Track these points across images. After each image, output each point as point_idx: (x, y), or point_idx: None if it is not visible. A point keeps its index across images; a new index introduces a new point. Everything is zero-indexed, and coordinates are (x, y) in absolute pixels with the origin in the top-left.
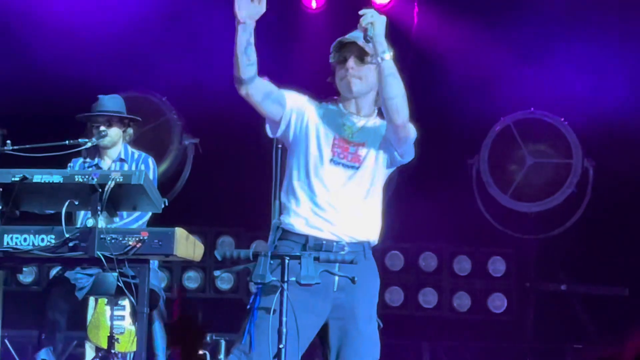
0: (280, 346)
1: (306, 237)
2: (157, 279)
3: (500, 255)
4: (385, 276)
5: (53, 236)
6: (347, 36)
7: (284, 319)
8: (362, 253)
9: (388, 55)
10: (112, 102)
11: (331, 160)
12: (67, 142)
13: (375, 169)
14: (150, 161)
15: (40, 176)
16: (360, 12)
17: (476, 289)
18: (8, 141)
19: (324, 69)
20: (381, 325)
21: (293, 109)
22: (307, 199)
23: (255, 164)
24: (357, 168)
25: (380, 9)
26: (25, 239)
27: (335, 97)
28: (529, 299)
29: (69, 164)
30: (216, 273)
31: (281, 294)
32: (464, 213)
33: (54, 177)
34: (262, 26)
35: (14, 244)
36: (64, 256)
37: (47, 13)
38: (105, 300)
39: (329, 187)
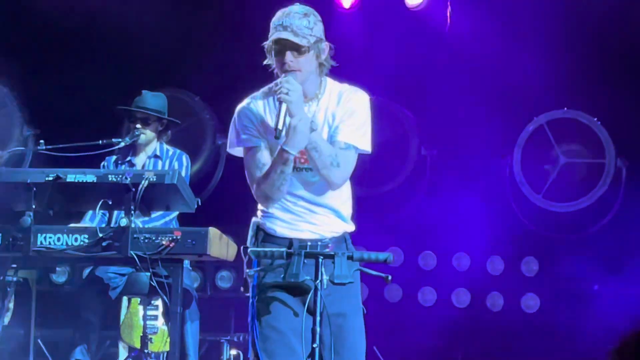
0: (314, 345)
1: (290, 239)
2: (190, 279)
3: (533, 255)
4: (420, 277)
5: (86, 236)
6: (283, 22)
7: (318, 318)
8: (345, 246)
9: (294, 150)
10: (154, 100)
11: (295, 168)
12: (100, 142)
13: None
14: (185, 158)
15: (73, 176)
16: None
17: (509, 288)
18: (42, 141)
19: (357, 68)
20: (365, 312)
21: (252, 138)
22: (282, 205)
23: None
24: (311, 169)
25: (414, 10)
26: (58, 239)
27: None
28: (562, 299)
29: (102, 162)
30: (250, 272)
31: (315, 293)
32: (497, 213)
33: (88, 176)
34: None
35: (47, 243)
36: (97, 255)
37: (80, 14)
38: (139, 300)
39: (298, 193)
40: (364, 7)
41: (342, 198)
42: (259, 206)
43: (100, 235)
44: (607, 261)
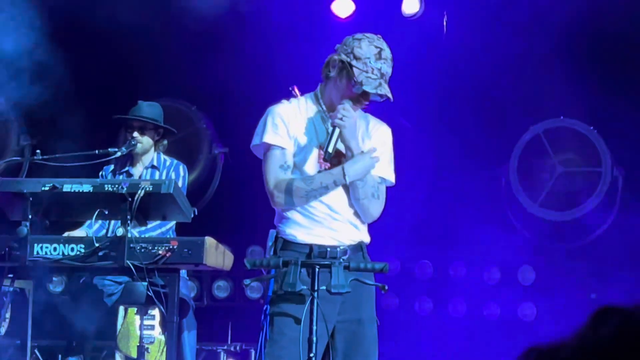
0: (311, 355)
1: (310, 246)
2: (187, 288)
3: (529, 264)
4: (415, 285)
5: (83, 245)
6: (379, 74)
7: (314, 327)
8: (361, 254)
9: (351, 173)
10: (150, 109)
11: (318, 172)
12: (96, 151)
13: None
14: (182, 168)
15: (70, 185)
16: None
17: (505, 297)
18: (38, 151)
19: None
20: (378, 323)
21: (286, 139)
22: (305, 211)
23: None
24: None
25: (410, 19)
26: (55, 248)
27: (317, 92)
28: (558, 308)
29: (100, 172)
30: (246, 282)
31: (312, 302)
32: (493, 222)
33: (84, 186)
34: (292, 34)
35: (43, 253)
36: (93, 265)
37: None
38: (135, 309)
39: (321, 200)
40: (361, 16)
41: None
42: (277, 214)
43: (97, 244)
44: (604, 270)
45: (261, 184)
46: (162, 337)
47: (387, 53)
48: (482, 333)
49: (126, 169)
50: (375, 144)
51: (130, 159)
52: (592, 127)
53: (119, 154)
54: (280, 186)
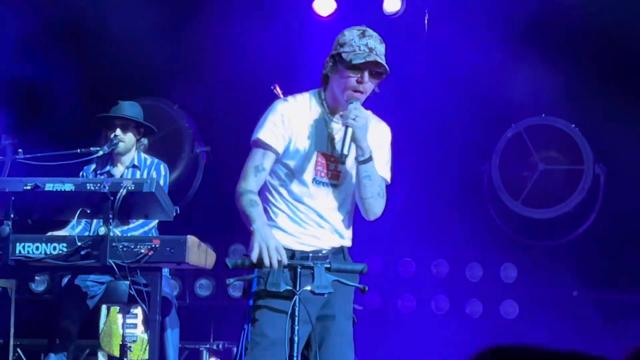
0: (294, 354)
1: (292, 251)
2: (169, 287)
3: (512, 262)
4: (397, 283)
5: (65, 244)
6: (375, 46)
7: (296, 327)
8: (342, 256)
9: (366, 162)
10: (130, 109)
11: (313, 180)
12: (78, 150)
13: (351, 179)
14: (163, 167)
15: (52, 185)
16: (346, 112)
17: (488, 295)
18: (20, 150)
19: None
20: (356, 320)
21: (280, 142)
22: (292, 217)
23: None
24: (336, 185)
25: (391, 17)
26: (37, 248)
27: (321, 92)
28: (541, 305)
29: (81, 172)
30: (229, 281)
31: (295, 303)
32: (476, 220)
33: (66, 185)
34: (274, 33)
35: (26, 252)
36: (76, 264)
37: (57, 23)
38: (118, 308)
39: (311, 206)
40: (342, 15)
41: (346, 222)
42: (266, 213)
43: (79, 244)
44: (585, 267)
45: None
46: (145, 336)
47: (371, 32)
48: (464, 330)
49: (107, 168)
50: (377, 144)
51: (111, 159)
52: (573, 125)
53: (101, 152)
54: (237, 193)
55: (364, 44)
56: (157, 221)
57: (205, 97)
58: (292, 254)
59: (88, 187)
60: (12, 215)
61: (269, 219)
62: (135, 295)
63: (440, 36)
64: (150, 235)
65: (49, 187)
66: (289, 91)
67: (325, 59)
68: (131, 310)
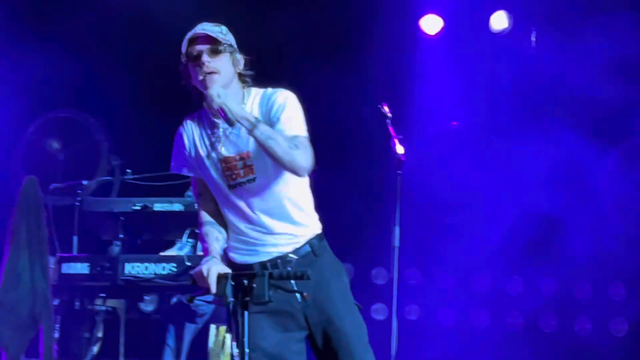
0: None
1: (250, 265)
2: None
3: None
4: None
5: (174, 264)
6: (196, 29)
7: (245, 339)
8: (312, 253)
9: (255, 127)
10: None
11: (228, 187)
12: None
13: (268, 165)
14: None
15: (160, 205)
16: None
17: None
18: (128, 170)
19: (443, 93)
20: (361, 307)
21: (187, 167)
22: (234, 232)
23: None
24: (255, 179)
25: (498, 35)
26: (146, 268)
27: (204, 106)
28: None
29: (186, 192)
30: (181, 298)
31: (239, 314)
32: None
33: (175, 205)
34: (382, 52)
35: (135, 272)
36: (185, 284)
37: None
38: (226, 327)
39: (244, 213)
40: (449, 33)
41: (294, 200)
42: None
43: (188, 263)
44: None
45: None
46: None
47: (193, 30)
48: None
49: None
50: (276, 110)
51: None
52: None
53: None
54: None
55: (193, 32)
56: None
57: (124, 111)
58: (250, 267)
59: (196, 207)
60: (121, 236)
61: (228, 243)
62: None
63: (547, 53)
64: None
65: (157, 207)
66: (396, 109)
67: (433, 76)
68: None
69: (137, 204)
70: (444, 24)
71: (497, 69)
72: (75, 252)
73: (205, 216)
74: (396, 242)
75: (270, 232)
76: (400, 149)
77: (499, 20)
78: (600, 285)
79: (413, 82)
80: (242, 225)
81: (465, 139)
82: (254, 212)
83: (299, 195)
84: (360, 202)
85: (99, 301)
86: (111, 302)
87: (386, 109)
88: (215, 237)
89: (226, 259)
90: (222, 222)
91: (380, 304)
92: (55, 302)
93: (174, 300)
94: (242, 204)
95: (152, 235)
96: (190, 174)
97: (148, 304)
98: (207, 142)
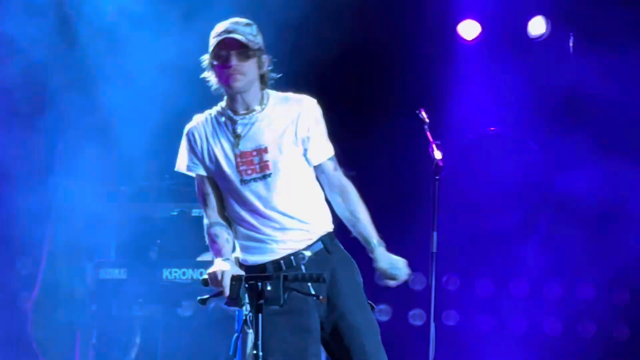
0: None
1: (263, 265)
2: None
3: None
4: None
5: None
6: (227, 27)
7: (259, 342)
8: (324, 250)
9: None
10: None
11: (242, 181)
12: None
13: (290, 162)
14: None
15: (198, 210)
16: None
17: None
18: (166, 175)
19: (481, 99)
20: (374, 306)
21: (198, 164)
22: (245, 228)
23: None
24: (270, 175)
25: (536, 40)
26: (184, 273)
27: (223, 104)
28: None
29: None
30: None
31: (253, 317)
32: None
33: None
34: (420, 57)
35: (173, 277)
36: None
37: None
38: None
39: (257, 209)
40: (487, 38)
41: (307, 198)
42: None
43: None
44: None
45: None
46: None
47: (225, 22)
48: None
49: None
50: (309, 124)
51: None
52: None
53: None
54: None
55: (224, 29)
56: None
57: None
58: (263, 267)
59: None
60: (158, 241)
61: (238, 244)
62: None
63: (585, 58)
64: None
65: (195, 212)
66: (433, 115)
67: (471, 82)
68: None
69: (174, 210)
70: (482, 29)
71: (534, 75)
72: (113, 257)
73: (213, 216)
74: (434, 248)
75: (282, 228)
76: (438, 155)
77: (537, 26)
78: None
79: (451, 87)
80: (254, 221)
81: (503, 145)
82: (266, 208)
83: (311, 192)
84: (398, 208)
85: (136, 306)
86: (149, 308)
87: (424, 114)
88: (226, 238)
89: (237, 262)
90: (229, 223)
91: (418, 310)
92: (93, 307)
93: (211, 305)
94: (254, 200)
95: (190, 240)
96: (198, 172)
97: (186, 309)
98: (224, 138)
